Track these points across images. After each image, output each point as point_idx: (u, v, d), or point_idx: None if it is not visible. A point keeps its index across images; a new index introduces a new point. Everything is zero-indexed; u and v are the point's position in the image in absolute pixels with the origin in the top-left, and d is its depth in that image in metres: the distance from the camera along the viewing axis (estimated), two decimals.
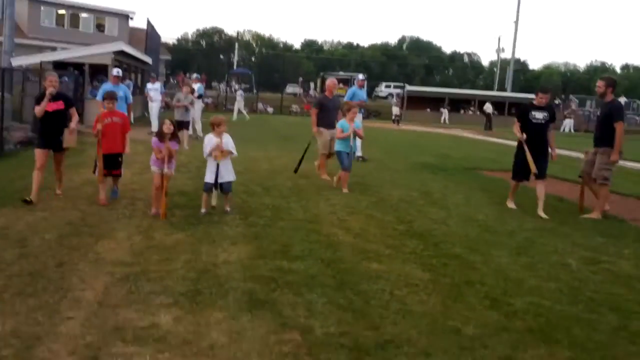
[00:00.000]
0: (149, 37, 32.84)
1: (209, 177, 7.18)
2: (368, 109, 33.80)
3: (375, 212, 7.75)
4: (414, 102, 45.16)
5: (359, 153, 12.89)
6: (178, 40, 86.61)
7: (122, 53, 22.01)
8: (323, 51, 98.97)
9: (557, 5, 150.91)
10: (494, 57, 71.75)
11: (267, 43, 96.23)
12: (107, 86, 11.35)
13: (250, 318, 4.02)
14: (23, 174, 7.95)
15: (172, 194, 7.66)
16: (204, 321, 3.94)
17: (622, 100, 56.65)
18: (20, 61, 19.13)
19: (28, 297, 4.23)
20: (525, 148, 8.28)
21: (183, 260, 5.24)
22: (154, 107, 18.78)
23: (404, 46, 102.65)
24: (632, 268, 5.80)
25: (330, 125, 10.34)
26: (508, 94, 49.36)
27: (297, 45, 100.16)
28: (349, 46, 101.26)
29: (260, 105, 45.54)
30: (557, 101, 52.98)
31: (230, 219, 6.89)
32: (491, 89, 64.06)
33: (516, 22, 52.23)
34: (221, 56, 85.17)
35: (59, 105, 7.50)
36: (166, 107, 32.55)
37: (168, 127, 6.93)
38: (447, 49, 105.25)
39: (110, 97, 7.82)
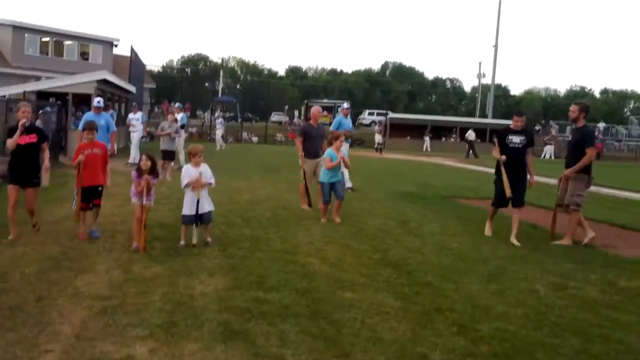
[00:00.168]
0: (133, 65, 33.06)
1: (188, 210, 7.29)
2: (353, 137, 34.22)
3: (352, 241, 7.91)
4: (396, 130, 45.73)
5: (348, 184, 12.92)
6: (163, 67, 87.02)
7: (105, 82, 22.16)
8: (307, 78, 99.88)
9: (538, 31, 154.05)
10: (476, 83, 72.80)
11: (252, 70, 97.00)
12: (88, 115, 11.42)
13: (224, 349, 4.14)
14: (3, 208, 8.04)
15: (152, 227, 7.78)
16: (179, 352, 4.06)
17: (601, 125, 57.87)
18: (3, 91, 19.26)
19: (7, 331, 4.32)
20: (503, 171, 8.47)
21: (160, 293, 5.35)
22: (135, 137, 18.86)
23: (387, 72, 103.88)
24: (597, 293, 6.00)
25: (315, 154, 10.44)
26: (489, 120, 50.01)
27: (281, 71, 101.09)
28: (333, 72, 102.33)
29: (244, 135, 45.75)
30: (537, 127, 53.80)
31: (208, 250, 7.01)
32: (473, 114, 64.92)
33: (495, 47, 53.31)
34: (206, 84, 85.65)
35: (32, 138, 7.32)
36: (151, 138, 32.75)
37: (145, 164, 7.06)
38: (430, 75, 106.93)
39: (90, 127, 7.83)
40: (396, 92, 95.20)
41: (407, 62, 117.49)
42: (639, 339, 4.72)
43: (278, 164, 21.55)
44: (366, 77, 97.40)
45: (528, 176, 8.65)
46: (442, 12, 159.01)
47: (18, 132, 7.15)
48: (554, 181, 9.19)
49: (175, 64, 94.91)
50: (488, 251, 7.66)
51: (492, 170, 9.29)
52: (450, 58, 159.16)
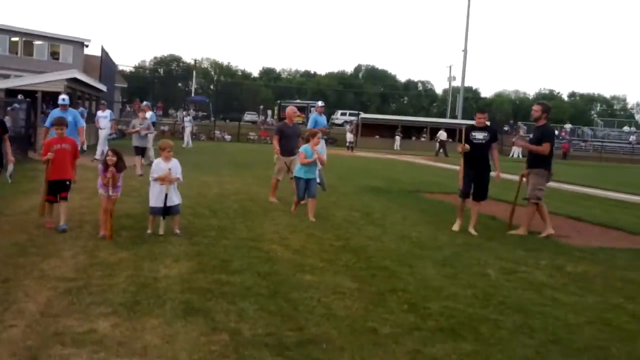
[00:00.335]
0: (104, 64, 32.97)
1: (156, 201, 7.44)
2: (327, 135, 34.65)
3: (317, 231, 8.15)
4: (368, 129, 46.21)
5: (319, 180, 13.24)
6: (135, 67, 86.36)
7: (75, 80, 22.10)
8: (281, 79, 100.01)
9: (508, 35, 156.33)
10: (447, 85, 73.74)
11: (226, 71, 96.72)
12: (55, 112, 11.48)
13: (184, 324, 4.34)
14: None
15: (120, 217, 7.92)
16: (140, 327, 4.24)
17: (568, 126, 59.19)
18: None
19: None
20: (461, 162, 8.78)
21: (125, 276, 5.51)
22: (102, 134, 19.07)
23: (360, 74, 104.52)
24: (545, 277, 6.33)
25: (290, 152, 10.68)
26: (459, 121, 50.75)
27: (255, 73, 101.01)
28: (307, 74, 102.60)
29: (217, 133, 45.74)
30: (506, 128, 54.77)
31: (174, 239, 7.18)
32: (444, 116, 65.78)
33: (465, 51, 54.16)
34: (179, 84, 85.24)
35: None
36: (122, 135, 32.61)
37: (110, 159, 7.19)
38: (402, 77, 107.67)
39: (59, 123, 7.90)
40: (369, 94, 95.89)
41: (380, 65, 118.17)
42: (575, 315, 5.05)
43: (248, 160, 21.75)
44: (339, 79, 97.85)
45: (493, 172, 8.91)
46: (414, 17, 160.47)
47: None
48: (517, 177, 9.51)
49: (147, 64, 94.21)
50: (446, 239, 7.98)
51: (458, 168, 9.58)
52: (422, 61, 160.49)
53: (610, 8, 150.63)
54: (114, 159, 7.22)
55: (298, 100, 61.71)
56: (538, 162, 8.98)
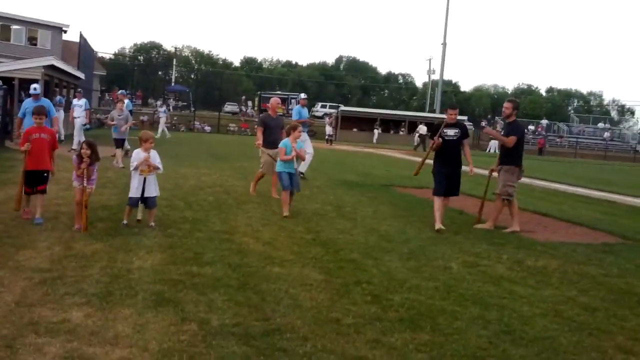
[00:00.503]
0: (82, 51, 32.69)
1: (135, 192, 7.58)
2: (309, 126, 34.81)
3: (288, 223, 8.37)
4: (347, 122, 46.49)
5: (301, 169, 13.40)
6: (115, 55, 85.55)
7: (52, 68, 21.97)
8: (262, 69, 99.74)
9: (488, 30, 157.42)
10: (427, 79, 74.25)
11: (206, 60, 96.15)
12: (27, 102, 11.31)
13: (155, 314, 4.53)
14: None
15: (95, 208, 8.06)
16: (112, 317, 4.42)
17: (544, 122, 60.02)
18: None
19: None
20: (427, 152, 8.88)
21: (99, 267, 5.68)
22: (77, 123, 18.82)
23: (341, 66, 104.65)
24: (505, 270, 6.62)
25: (274, 144, 10.68)
26: (438, 115, 51.21)
27: (236, 62, 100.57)
28: (288, 65, 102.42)
29: (197, 124, 45.66)
30: (483, 123, 55.34)
31: (149, 230, 7.34)
32: (424, 110, 66.33)
33: (444, 45, 54.66)
34: (159, 72, 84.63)
35: None
36: (101, 124, 32.43)
37: (85, 152, 7.28)
38: (383, 70, 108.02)
39: (38, 112, 7.87)
40: (350, 86, 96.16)
41: (361, 57, 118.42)
42: (530, 307, 5.33)
43: (227, 152, 21.88)
44: (321, 71, 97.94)
45: (466, 167, 9.06)
46: (396, 9, 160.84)
47: None
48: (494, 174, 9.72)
49: (127, 51, 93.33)
50: (413, 233, 8.25)
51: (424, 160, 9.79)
52: (403, 54, 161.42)
53: (589, 4, 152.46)
54: (88, 151, 7.31)
55: (279, 92, 61.71)
56: (508, 159, 9.24)
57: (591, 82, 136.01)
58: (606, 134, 59.95)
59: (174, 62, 79.14)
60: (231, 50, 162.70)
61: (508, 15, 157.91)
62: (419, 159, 10.44)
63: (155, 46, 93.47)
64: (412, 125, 46.14)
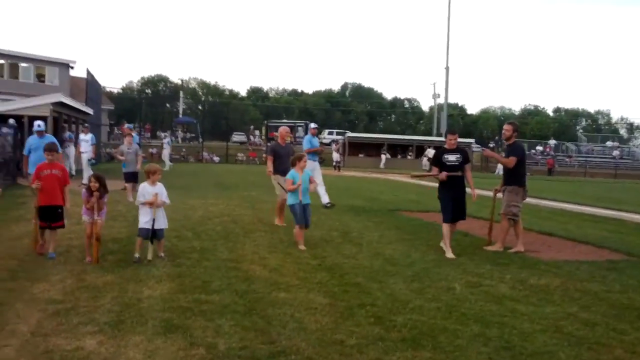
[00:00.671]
0: (90, 86, 33.26)
1: (145, 223, 7.72)
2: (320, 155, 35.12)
3: (295, 250, 8.53)
4: (355, 148, 46.82)
5: (325, 200, 13.88)
6: (122, 89, 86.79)
7: (61, 104, 22.42)
8: (269, 98, 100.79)
9: (493, 52, 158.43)
10: (433, 103, 74.67)
11: (213, 91, 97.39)
12: (32, 139, 11.35)
13: (164, 340, 4.69)
14: None
15: (106, 241, 8.25)
16: (124, 343, 4.60)
17: (552, 142, 60.10)
18: None
19: None
20: (424, 173, 8.93)
21: (110, 297, 5.86)
22: (84, 158, 19.06)
23: (347, 93, 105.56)
24: (508, 289, 6.73)
25: (284, 173, 10.76)
26: (444, 138, 51.40)
27: (243, 92, 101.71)
28: (294, 93, 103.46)
29: (205, 154, 46.09)
30: (491, 144, 55.56)
31: (158, 261, 7.52)
32: (431, 133, 66.63)
33: (447, 69, 55.31)
34: (167, 105, 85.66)
35: None
36: (110, 158, 32.86)
37: (93, 185, 7.53)
38: (389, 95, 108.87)
39: (50, 149, 8.06)
40: (356, 112, 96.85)
41: (366, 83, 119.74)
42: (531, 324, 5.44)
43: (234, 182, 22.12)
44: (327, 98, 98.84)
45: (469, 190, 9.09)
46: (399, 35, 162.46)
47: None
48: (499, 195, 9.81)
49: (135, 85, 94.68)
50: (417, 256, 8.38)
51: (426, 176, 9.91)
52: (408, 79, 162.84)
53: (595, 23, 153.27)
54: (96, 185, 7.55)
55: (285, 120, 62.27)
56: (512, 179, 9.37)
57: (598, 100, 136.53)
58: (615, 152, 59.87)
59: (181, 94, 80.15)
60: (237, 81, 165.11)
61: (512, 37, 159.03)
62: (426, 183, 10.55)
63: (162, 79, 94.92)
64: (420, 150, 46.40)
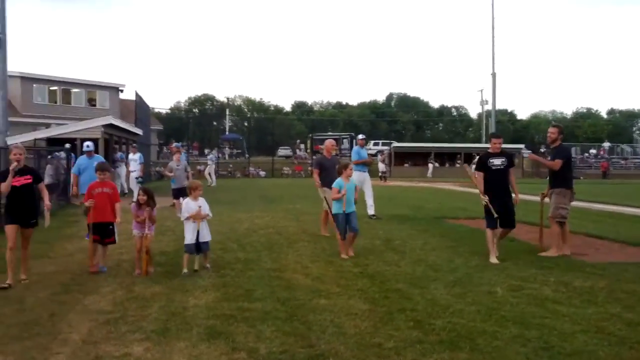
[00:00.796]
0: (139, 108, 34.33)
1: (190, 239, 7.97)
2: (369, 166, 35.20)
3: (337, 258, 8.63)
4: (401, 158, 46.67)
5: (371, 212, 13.77)
6: (171, 109, 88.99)
7: (111, 126, 23.27)
8: (313, 112, 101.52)
9: (542, 56, 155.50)
10: (481, 110, 73.77)
11: (258, 107, 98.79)
12: (82, 159, 11.62)
13: (208, 345, 4.87)
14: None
15: (154, 254, 8.53)
16: (169, 349, 4.79)
17: (606, 144, 58.42)
18: (15, 139, 20.25)
19: (24, 340, 5.09)
20: (487, 201, 8.62)
21: (157, 307, 6.10)
22: (132, 176, 19.94)
23: (392, 103, 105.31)
24: (551, 292, 6.66)
25: (330, 185, 11.00)
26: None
27: (287, 107, 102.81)
28: (339, 106, 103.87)
29: (252, 170, 46.74)
30: (542, 149, 54.38)
31: (204, 272, 7.75)
32: (481, 140, 65.77)
33: (493, 75, 54.44)
34: (214, 123, 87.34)
35: (27, 179, 7.51)
36: (160, 177, 33.73)
37: (142, 198, 7.88)
38: (435, 104, 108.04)
39: (102, 169, 8.44)
40: (403, 122, 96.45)
41: (412, 93, 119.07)
42: (572, 325, 5.39)
43: (279, 195, 22.44)
44: (372, 109, 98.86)
45: (513, 195, 8.97)
46: (444, 43, 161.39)
47: (10, 175, 7.33)
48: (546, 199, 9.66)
49: (182, 105, 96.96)
50: (460, 262, 8.36)
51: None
52: (454, 87, 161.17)
53: None
54: (145, 197, 7.89)
55: (330, 133, 62.70)
56: (558, 182, 9.24)
57: None
58: None
59: (227, 112, 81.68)
60: (282, 96, 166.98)
61: (561, 40, 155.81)
62: (471, 190, 10.41)
63: (209, 98, 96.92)
64: (468, 157, 45.83)
